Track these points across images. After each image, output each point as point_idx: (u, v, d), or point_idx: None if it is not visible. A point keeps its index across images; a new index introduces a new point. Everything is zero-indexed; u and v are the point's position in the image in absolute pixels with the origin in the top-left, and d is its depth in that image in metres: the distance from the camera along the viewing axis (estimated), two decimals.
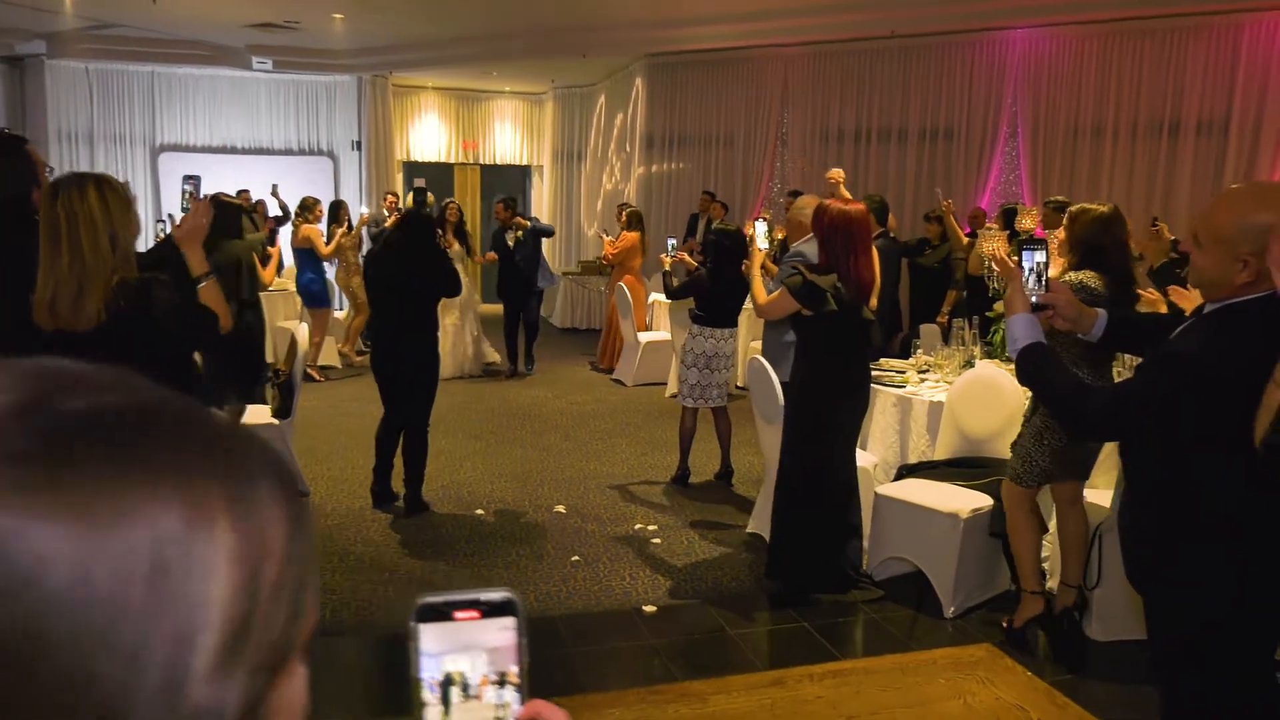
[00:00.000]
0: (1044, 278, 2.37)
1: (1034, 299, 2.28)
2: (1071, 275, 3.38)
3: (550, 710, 0.72)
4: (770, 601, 4.10)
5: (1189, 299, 3.18)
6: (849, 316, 3.86)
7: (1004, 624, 3.73)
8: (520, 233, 8.51)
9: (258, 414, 5.43)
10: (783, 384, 4.25)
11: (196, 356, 5.13)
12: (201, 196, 3.42)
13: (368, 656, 3.64)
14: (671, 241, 7.71)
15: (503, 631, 0.68)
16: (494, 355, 9.18)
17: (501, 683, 0.69)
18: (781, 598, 4.09)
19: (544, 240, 8.95)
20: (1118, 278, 3.38)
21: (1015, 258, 2.37)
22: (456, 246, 8.20)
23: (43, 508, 0.39)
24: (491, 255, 8.71)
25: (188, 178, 3.23)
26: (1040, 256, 2.37)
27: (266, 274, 6.70)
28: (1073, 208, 3.55)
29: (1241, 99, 8.73)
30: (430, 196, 10.17)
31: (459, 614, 0.67)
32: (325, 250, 8.38)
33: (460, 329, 8.68)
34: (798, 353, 4.07)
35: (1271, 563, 1.92)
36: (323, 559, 4.43)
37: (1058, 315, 2.27)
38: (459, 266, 8.18)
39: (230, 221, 5.82)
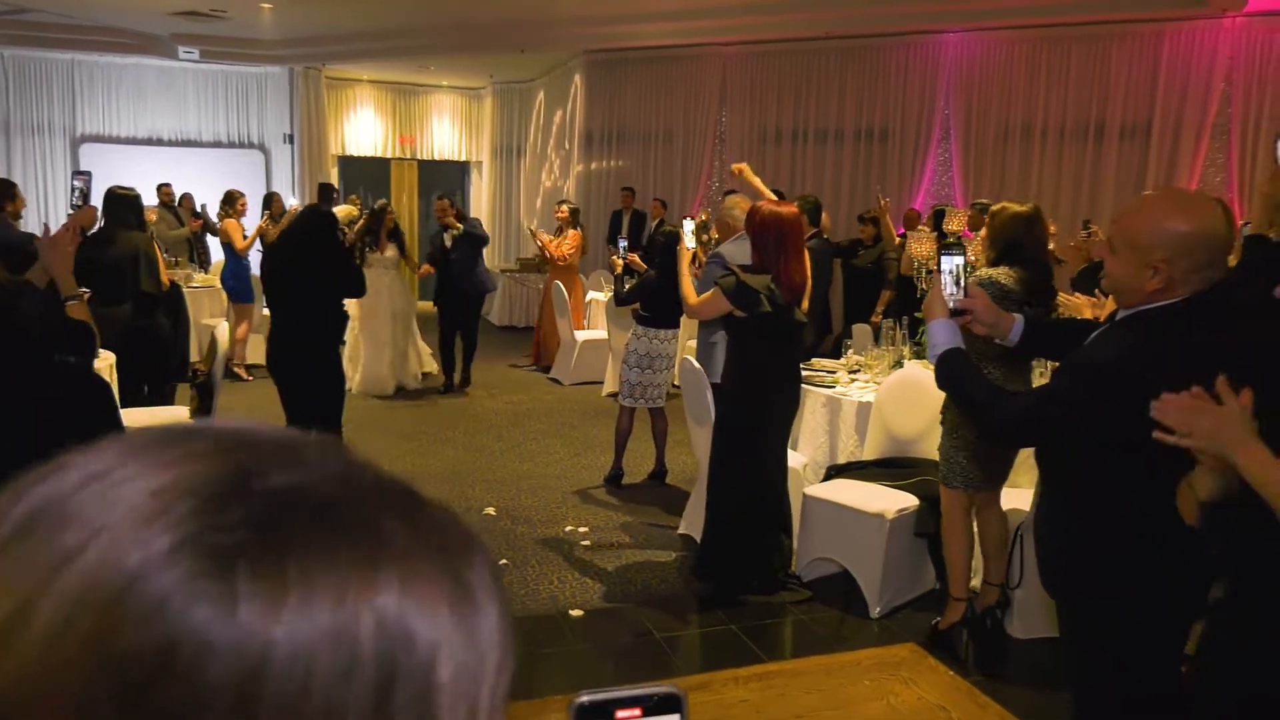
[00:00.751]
0: (963, 281, 2.38)
1: (952, 303, 2.28)
2: (983, 271, 3.41)
3: None
4: (699, 604, 4.08)
5: (1107, 306, 3.23)
6: (782, 318, 3.85)
7: (932, 625, 3.75)
8: (456, 231, 8.07)
9: (176, 415, 5.26)
10: (713, 384, 4.23)
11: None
12: (85, 196, 3.31)
13: None
14: (623, 243, 7.64)
15: None
16: (431, 365, 8.66)
17: None
18: (710, 599, 4.07)
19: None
20: (1034, 277, 3.41)
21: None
22: (391, 251, 7.88)
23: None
24: (427, 269, 8.20)
25: (77, 173, 3.12)
26: (959, 260, 2.38)
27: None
28: (994, 206, 3.58)
29: (1162, 105, 9.00)
30: (354, 198, 9.81)
31: (620, 713, 0.63)
32: (240, 245, 8.16)
33: (394, 341, 8.08)
34: (729, 353, 4.06)
35: (1183, 566, 1.94)
36: None
37: (976, 320, 2.27)
38: (392, 273, 7.89)
39: (127, 214, 5.63)
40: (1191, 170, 8.92)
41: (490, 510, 5.13)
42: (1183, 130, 8.96)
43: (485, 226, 15.91)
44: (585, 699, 0.63)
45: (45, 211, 12.48)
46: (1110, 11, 8.78)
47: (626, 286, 5.68)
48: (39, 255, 2.99)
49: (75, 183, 3.16)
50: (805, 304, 4.02)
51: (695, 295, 4.09)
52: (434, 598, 0.38)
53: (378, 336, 8.00)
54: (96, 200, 5.58)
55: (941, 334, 2.19)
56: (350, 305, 7.46)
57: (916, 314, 5.09)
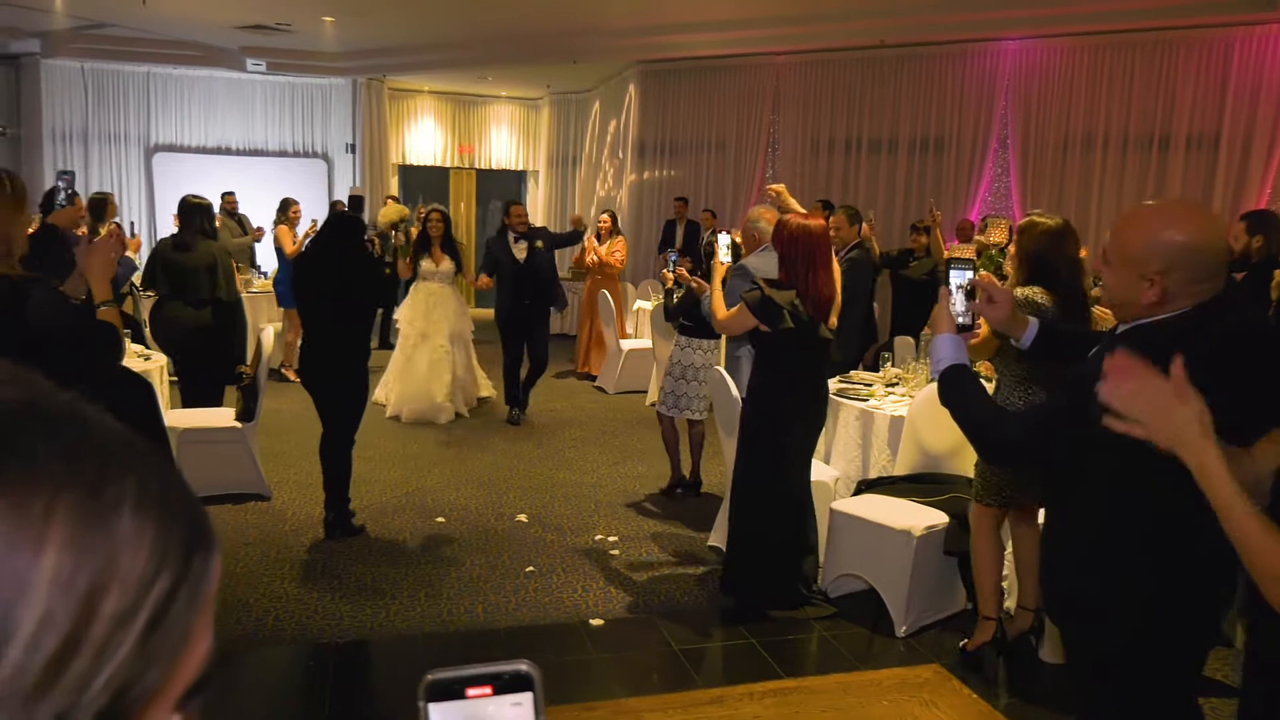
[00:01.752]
0: (973, 297, 2.31)
1: (960, 319, 2.22)
2: (1019, 291, 3.31)
3: None
4: (721, 617, 4.03)
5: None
6: (805, 334, 3.79)
7: (961, 646, 3.65)
8: (539, 243, 7.15)
9: (221, 417, 5.40)
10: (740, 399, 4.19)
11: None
12: (73, 193, 3.39)
13: (303, 668, 3.58)
14: (674, 255, 7.51)
15: (517, 708, 0.63)
16: (488, 389, 7.92)
17: None
18: (733, 613, 4.03)
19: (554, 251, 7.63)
20: (1067, 295, 3.30)
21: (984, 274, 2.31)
22: (447, 264, 7.16)
23: None
24: (486, 281, 7.12)
25: (62, 173, 3.22)
26: (969, 275, 2.31)
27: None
28: (1022, 220, 3.47)
29: (1231, 113, 8.66)
30: (403, 209, 9.51)
31: (472, 690, 0.63)
32: (290, 250, 8.35)
33: (453, 365, 7.35)
34: (754, 367, 4.02)
35: (1185, 585, 1.86)
36: (275, 566, 4.38)
37: (990, 317, 2.20)
38: (449, 288, 7.21)
39: (203, 222, 5.83)
40: (1262, 183, 8.57)
41: (522, 517, 5.15)
42: (1254, 139, 8.61)
43: None
44: (436, 676, 0.63)
45: (121, 218, 12.98)
46: (1176, 17, 8.49)
47: (676, 299, 5.55)
48: (76, 262, 3.08)
49: (60, 181, 3.23)
50: (834, 319, 3.96)
51: (724, 309, 4.04)
52: (44, 530, 0.40)
53: (435, 360, 7.26)
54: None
55: (945, 349, 2.13)
56: (403, 323, 7.33)
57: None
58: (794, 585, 4.02)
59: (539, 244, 7.11)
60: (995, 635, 3.60)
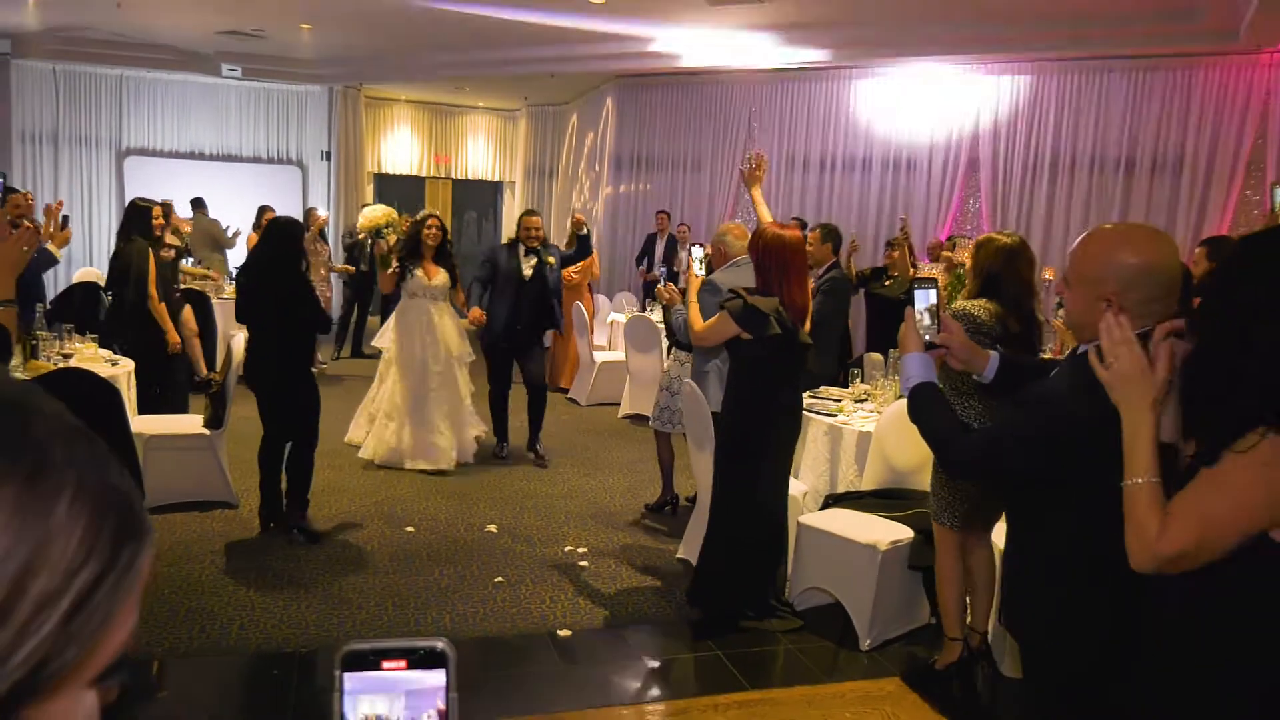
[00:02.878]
0: (938, 316, 2.35)
1: (927, 338, 2.26)
2: (959, 303, 3.37)
3: None
4: (688, 629, 4.05)
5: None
6: (790, 340, 3.83)
7: (929, 664, 3.67)
8: (551, 259, 6.31)
9: (189, 423, 5.36)
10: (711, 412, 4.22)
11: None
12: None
13: (268, 678, 3.56)
14: (663, 270, 7.45)
15: (432, 684, 0.65)
16: (478, 427, 6.69)
17: None
18: (701, 625, 4.04)
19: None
20: (1010, 311, 3.37)
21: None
22: (440, 277, 6.13)
23: None
24: (478, 315, 6.10)
25: None
26: (933, 294, 2.36)
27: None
28: (979, 237, 3.55)
29: (1195, 141, 8.86)
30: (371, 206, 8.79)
31: (387, 663, 0.64)
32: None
33: (450, 398, 6.25)
34: (731, 379, 4.00)
35: (1136, 603, 1.89)
36: (240, 574, 4.35)
37: (952, 355, 2.25)
38: (442, 304, 6.18)
39: (134, 226, 5.91)
40: (1224, 209, 8.76)
41: (492, 528, 5.15)
42: (1215, 165, 8.81)
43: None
44: (353, 647, 0.65)
45: (90, 222, 12.86)
46: (1143, 46, 8.69)
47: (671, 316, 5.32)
48: None
49: None
50: (807, 325, 4.00)
51: (701, 321, 4.03)
52: None
53: (429, 393, 6.11)
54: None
55: (914, 367, 2.17)
56: (388, 348, 6.31)
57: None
58: (766, 594, 4.05)
59: (550, 260, 6.31)
60: (962, 654, 3.64)
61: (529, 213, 6.50)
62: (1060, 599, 1.95)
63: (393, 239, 6.44)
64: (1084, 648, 1.94)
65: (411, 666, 0.65)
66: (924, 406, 2.14)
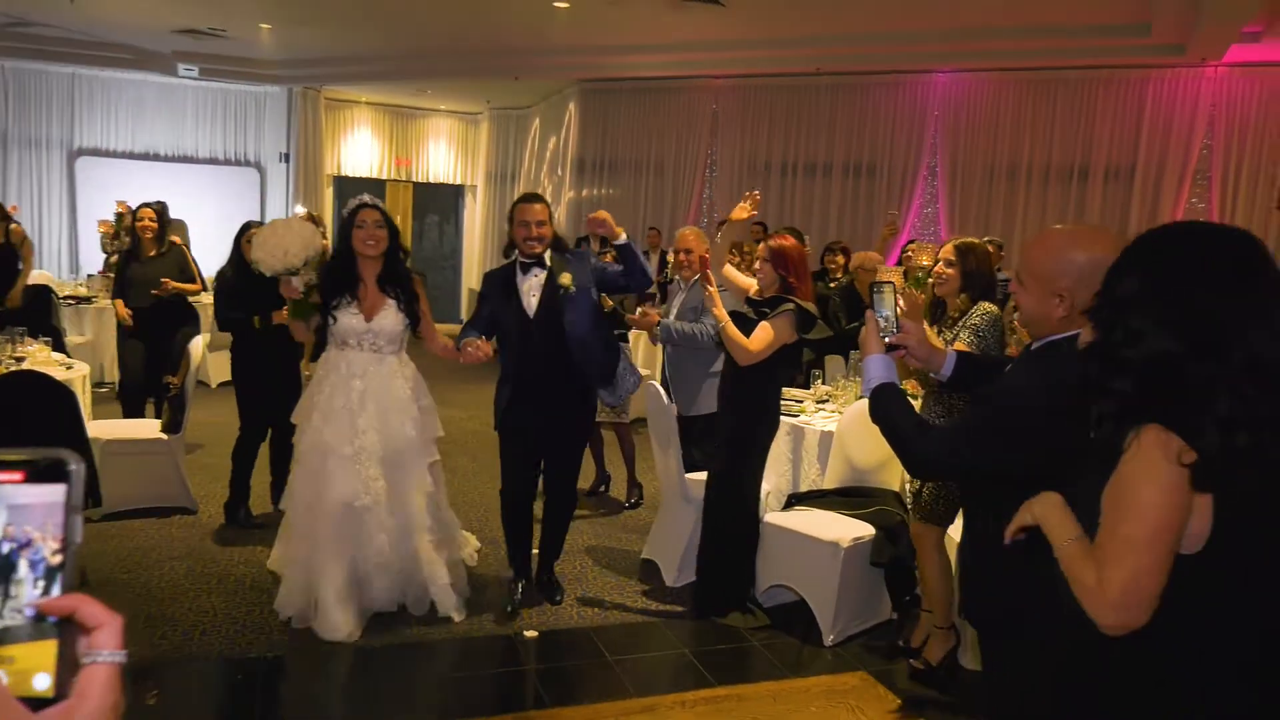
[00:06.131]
0: (896, 318, 2.39)
1: (887, 339, 2.30)
2: (987, 307, 3.43)
3: (93, 608, 0.61)
4: (654, 629, 4.07)
5: None
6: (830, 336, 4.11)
7: (924, 662, 3.63)
8: (566, 278, 3.86)
9: (147, 428, 5.28)
10: (705, 415, 4.27)
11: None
12: None
13: (231, 683, 3.52)
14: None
15: (47, 500, 0.59)
16: (472, 545, 4.70)
17: (42, 558, 0.58)
18: (668, 624, 4.07)
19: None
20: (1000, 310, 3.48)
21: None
22: (390, 317, 3.83)
23: None
24: (484, 349, 3.73)
25: None
26: (891, 297, 2.40)
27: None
28: (959, 242, 3.60)
29: (1145, 148, 9.12)
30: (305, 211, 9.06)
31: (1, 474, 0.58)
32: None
33: (394, 511, 3.81)
34: (739, 382, 3.99)
35: None
36: (201, 580, 4.29)
37: (910, 355, 2.30)
38: (390, 362, 3.81)
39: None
40: (1173, 213, 9.02)
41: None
42: (1166, 172, 9.08)
43: (478, 252, 15.83)
44: None
45: (41, 225, 12.58)
46: (1096, 57, 8.92)
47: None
48: None
49: None
50: None
51: (744, 337, 3.85)
52: None
53: (356, 513, 3.72)
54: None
55: (875, 369, 2.21)
56: (301, 427, 3.92)
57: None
58: (749, 587, 4.15)
59: (565, 282, 3.85)
60: (956, 642, 3.65)
61: (526, 199, 3.98)
62: (1019, 588, 2.00)
63: (307, 281, 3.95)
64: (1042, 635, 1.99)
65: (29, 480, 0.59)
66: (885, 406, 2.19)
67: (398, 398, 3.81)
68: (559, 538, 4.34)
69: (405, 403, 3.83)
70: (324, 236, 9.30)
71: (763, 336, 3.85)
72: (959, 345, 3.17)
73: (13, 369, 4.83)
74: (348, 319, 3.80)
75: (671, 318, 4.90)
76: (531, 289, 3.93)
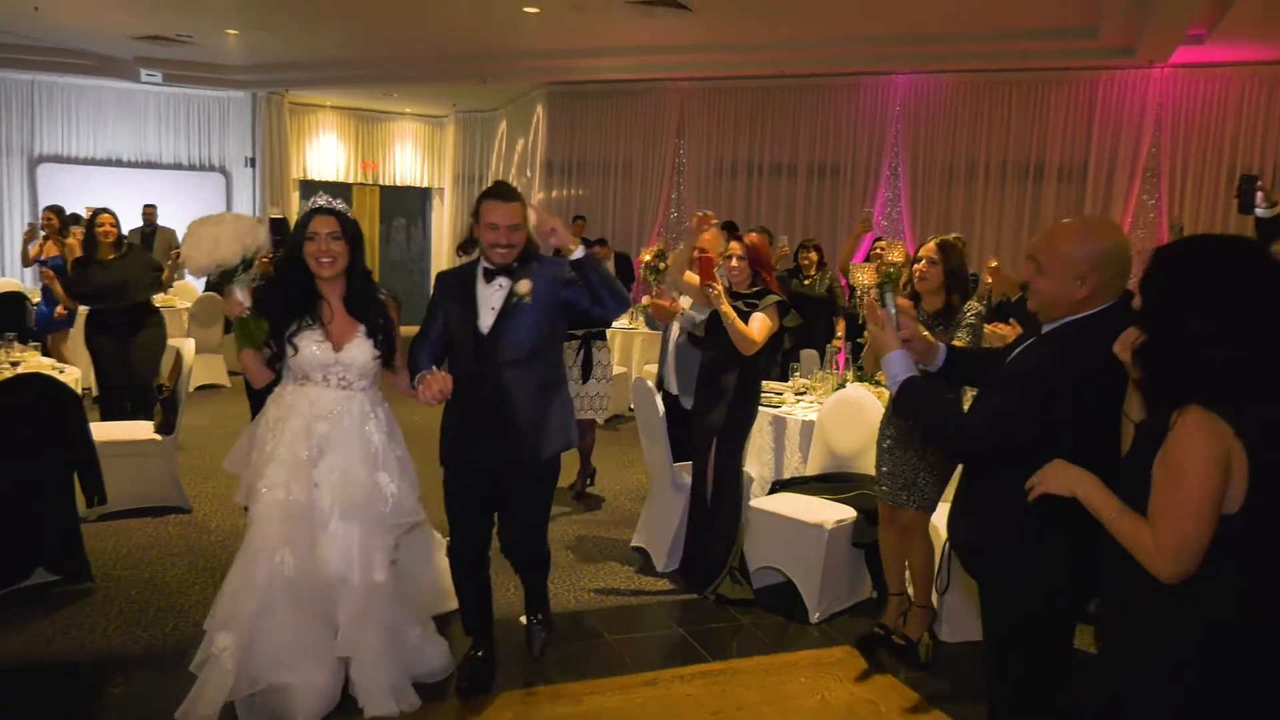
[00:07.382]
0: (895, 315, 2.54)
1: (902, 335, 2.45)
2: (976, 305, 3.65)
3: None
4: (648, 610, 4.25)
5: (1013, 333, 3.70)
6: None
7: (905, 639, 3.78)
8: (521, 286, 3.13)
9: (140, 430, 5.34)
10: (715, 403, 4.44)
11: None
12: None
13: None
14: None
15: None
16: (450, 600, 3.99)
17: None
18: (663, 604, 4.25)
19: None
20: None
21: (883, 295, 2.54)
22: (358, 345, 3.10)
23: None
24: (441, 384, 3.06)
25: None
26: (893, 294, 2.57)
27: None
28: (940, 240, 3.76)
29: (1097, 148, 9.49)
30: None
31: None
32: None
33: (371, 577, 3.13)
34: (746, 376, 4.29)
35: (1093, 557, 2.07)
36: (204, 574, 4.39)
37: (912, 349, 2.46)
38: (357, 397, 2.98)
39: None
40: (1125, 210, 9.40)
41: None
42: (1116, 171, 9.45)
43: (446, 255, 15.83)
44: None
45: (1, 232, 12.43)
46: (1048, 60, 9.27)
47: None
48: None
49: None
50: None
51: (747, 327, 4.19)
52: None
53: (318, 586, 3.07)
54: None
55: (896, 365, 2.35)
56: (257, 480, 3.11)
57: (858, 339, 5.36)
58: (738, 558, 4.39)
59: (522, 290, 3.13)
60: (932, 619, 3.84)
61: (497, 193, 3.17)
62: (1035, 553, 2.16)
63: (252, 282, 3.21)
64: (1049, 595, 2.18)
65: None
66: (917, 399, 2.33)
67: (368, 444, 3.07)
68: (538, 593, 3.60)
69: (378, 451, 3.09)
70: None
71: (762, 327, 4.18)
72: (958, 343, 3.39)
73: (9, 374, 4.87)
74: (311, 349, 3.02)
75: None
76: (492, 301, 3.15)
